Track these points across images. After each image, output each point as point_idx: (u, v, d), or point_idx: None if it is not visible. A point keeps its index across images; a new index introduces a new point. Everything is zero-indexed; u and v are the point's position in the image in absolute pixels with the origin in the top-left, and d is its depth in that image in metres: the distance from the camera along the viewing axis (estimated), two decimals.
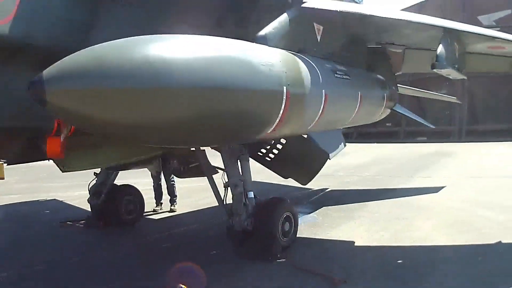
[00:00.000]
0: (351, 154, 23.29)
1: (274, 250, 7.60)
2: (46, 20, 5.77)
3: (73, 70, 4.16)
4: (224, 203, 8.20)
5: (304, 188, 12.73)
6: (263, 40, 6.27)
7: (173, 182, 12.19)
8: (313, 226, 9.88)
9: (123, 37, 4.75)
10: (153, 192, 12.31)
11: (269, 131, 5.86)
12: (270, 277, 6.78)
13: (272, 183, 13.21)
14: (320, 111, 6.63)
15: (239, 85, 5.04)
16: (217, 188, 8.41)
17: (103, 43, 4.48)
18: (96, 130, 4.87)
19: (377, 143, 33.01)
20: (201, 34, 5.29)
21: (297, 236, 8.50)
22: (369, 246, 8.37)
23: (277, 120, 5.72)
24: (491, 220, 9.53)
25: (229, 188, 8.05)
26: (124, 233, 10.05)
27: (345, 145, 10.13)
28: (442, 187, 14.14)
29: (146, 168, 11.84)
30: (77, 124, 4.92)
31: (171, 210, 12.25)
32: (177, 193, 12.35)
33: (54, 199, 14.55)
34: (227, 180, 8.06)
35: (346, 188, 14.97)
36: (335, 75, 7.23)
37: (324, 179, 14.97)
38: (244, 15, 7.30)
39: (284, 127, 6.05)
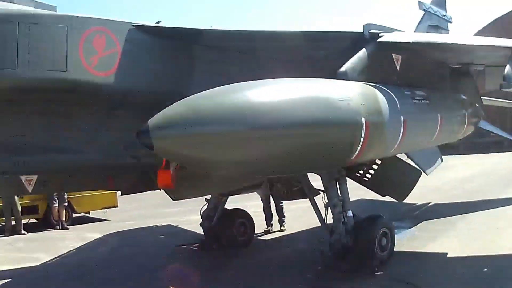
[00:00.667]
0: (458, 167, 24.49)
1: (372, 264, 9.12)
2: (144, 72, 7.76)
3: (173, 119, 5.92)
4: (325, 222, 9.86)
5: (408, 203, 14.06)
6: (344, 76, 7.84)
7: (282, 204, 14.25)
8: (412, 240, 11.55)
9: (215, 83, 6.52)
10: (263, 214, 14.32)
11: (353, 158, 7.42)
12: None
13: (381, 200, 14.66)
14: (400, 136, 8.05)
15: (322, 120, 6.64)
16: (318, 209, 10.09)
17: (197, 94, 6.24)
18: (197, 167, 6.81)
19: (484, 153, 36.30)
20: (286, 76, 6.98)
21: (397, 249, 10.01)
22: (459, 257, 9.76)
23: (359, 147, 7.22)
24: None
25: (329, 208, 9.63)
26: (237, 254, 12.03)
27: (442, 161, 12.20)
28: None
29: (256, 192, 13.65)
30: (181, 162, 6.76)
31: (281, 230, 14.28)
32: (285, 213, 14.33)
33: (169, 224, 17.10)
34: (327, 201, 9.67)
35: (448, 202, 16.62)
36: (414, 100, 8.67)
37: (430, 193, 17.51)
38: (327, 55, 8.80)
39: (367, 152, 7.59)
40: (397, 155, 10.61)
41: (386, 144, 7.98)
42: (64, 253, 13.54)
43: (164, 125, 5.84)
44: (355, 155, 7.33)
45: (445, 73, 10.63)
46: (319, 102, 6.65)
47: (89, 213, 20.84)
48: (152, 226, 17.30)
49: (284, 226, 14.35)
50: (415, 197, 14.20)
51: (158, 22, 8.88)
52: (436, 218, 13.95)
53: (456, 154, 32.69)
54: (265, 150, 6.25)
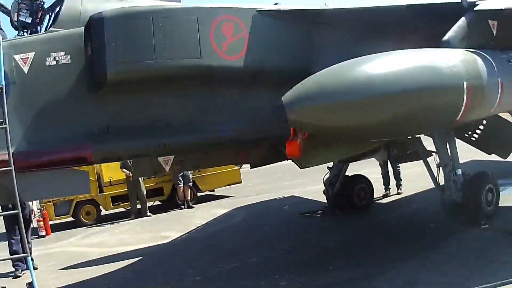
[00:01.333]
0: None
1: (479, 218, 10.83)
2: (272, 51, 9.66)
3: (303, 95, 7.90)
4: (438, 181, 11.68)
5: None
6: (447, 44, 9.45)
7: (398, 168, 16.28)
8: None
9: (337, 58, 8.38)
10: (382, 179, 16.37)
11: (457, 118, 9.11)
12: (479, 238, 10.23)
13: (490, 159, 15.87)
14: (498, 97, 9.60)
15: (428, 86, 8.30)
16: (431, 169, 11.91)
17: (321, 71, 8.15)
18: (327, 134, 8.94)
19: None
20: (397, 47, 8.81)
21: (503, 204, 11.72)
22: None
23: (462, 109, 8.85)
24: None
25: (441, 168, 11.38)
26: (357, 218, 14.15)
27: None
28: None
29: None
30: (313, 131, 8.88)
31: (398, 193, 16.36)
32: (402, 177, 16.18)
33: (292, 195, 19.28)
34: (438, 161, 11.42)
35: None
36: (509, 63, 10.10)
37: None
38: (431, 25, 10.23)
39: (470, 114, 9.28)
40: (501, 115, 12.19)
41: (486, 104, 9.58)
42: (192, 229, 16.23)
43: (296, 100, 7.82)
44: (459, 116, 9.01)
45: None
46: (425, 70, 8.37)
47: (213, 191, 23.47)
48: (276, 198, 19.65)
49: (401, 189, 16.42)
50: None
51: (276, 4, 10.65)
52: None
53: None
54: (382, 115, 8.07)
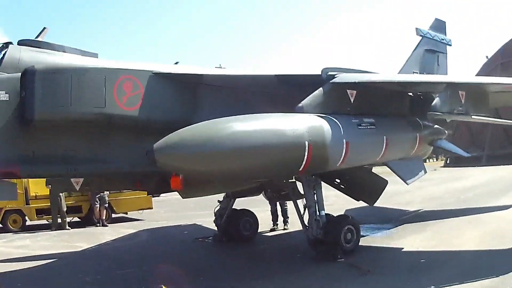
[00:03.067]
0: (467, 178, 29.75)
1: (336, 253, 13.33)
2: (161, 106, 12.21)
3: (168, 144, 10.30)
4: (303, 219, 14.33)
5: (403, 209, 20.30)
6: (301, 110, 12.10)
7: (286, 206, 19.05)
8: (387, 238, 15.94)
9: (214, 115, 11.04)
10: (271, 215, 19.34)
11: (300, 169, 11.67)
12: (331, 267, 12.61)
13: (380, 207, 19.12)
14: (343, 155, 12.08)
15: (273, 145, 10.92)
16: (299, 209, 14.70)
17: (190, 126, 10.69)
18: (190, 175, 11.30)
19: (506, 164, 43.90)
20: (262, 109, 11.45)
21: (367, 244, 14.61)
22: (411, 251, 13.86)
23: (304, 162, 11.47)
24: None
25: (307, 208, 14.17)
26: (239, 245, 16.90)
27: (425, 172, 16.10)
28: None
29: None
30: (178, 173, 11.45)
31: (284, 229, 19.05)
32: (289, 215, 18.81)
33: (194, 223, 22.13)
34: (305, 203, 14.09)
35: (437, 209, 21.25)
36: (359, 126, 12.65)
37: (428, 201, 22.99)
38: (293, 92, 12.93)
39: (312, 167, 11.81)
40: (370, 168, 15.43)
41: (329, 160, 12.05)
42: (102, 243, 19.03)
43: (163, 148, 10.33)
44: (302, 167, 11.62)
45: (399, 101, 14.64)
46: (271, 131, 10.94)
47: (126, 213, 26.68)
48: (180, 224, 22.47)
49: (287, 226, 19.21)
50: (413, 204, 21.24)
51: (176, 63, 13.57)
52: (417, 222, 18.37)
53: (477, 166, 36.99)
54: (231, 164, 10.50)
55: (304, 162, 11.23)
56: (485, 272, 10.70)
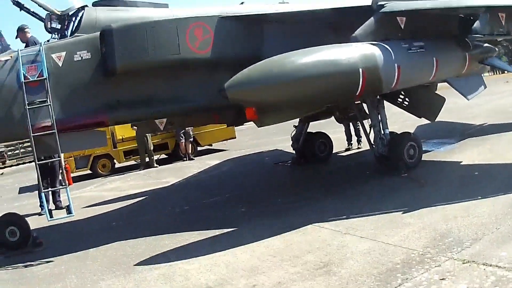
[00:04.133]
0: None
1: (400, 168, 14.35)
2: (230, 46, 13.45)
3: (235, 81, 11.59)
4: (369, 138, 15.59)
5: (468, 124, 20.99)
6: (355, 39, 12.99)
7: (358, 126, 19.88)
8: (449, 152, 16.67)
9: (279, 50, 12.02)
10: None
11: (357, 93, 12.56)
12: (393, 181, 13.74)
13: (456, 122, 20.31)
14: (396, 77, 12.92)
15: (332, 73, 11.85)
16: (365, 128, 15.99)
17: (255, 64, 11.76)
18: (262, 107, 12.44)
19: None
20: (321, 42, 12.30)
21: (429, 159, 15.60)
22: (467, 164, 14.59)
23: (360, 86, 12.33)
24: None
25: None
26: (316, 166, 18.30)
27: (485, 87, 16.92)
28: None
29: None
30: (248, 105, 12.51)
31: (358, 148, 20.30)
32: (362, 134, 19.55)
33: (276, 149, 23.64)
34: (370, 122, 15.22)
35: (500, 122, 21.17)
36: (409, 50, 13.35)
37: (495, 114, 23.06)
38: (348, 23, 13.62)
39: (368, 90, 12.71)
40: (429, 85, 15.94)
41: (382, 83, 12.85)
42: (188, 176, 20.82)
43: (232, 85, 11.47)
44: (359, 91, 12.49)
45: (447, 24, 14.89)
46: (328, 62, 11.84)
47: (211, 145, 28.41)
48: (262, 151, 24.07)
49: (360, 145, 20.36)
50: (479, 117, 21.60)
51: (242, 3, 15.01)
52: (480, 136, 18.80)
53: None
54: (309, 90, 11.62)
55: (360, 87, 12.07)
56: None
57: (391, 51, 12.70)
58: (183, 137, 25.42)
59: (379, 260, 8.07)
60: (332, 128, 20.44)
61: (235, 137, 28.04)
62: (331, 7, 14.10)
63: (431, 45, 13.78)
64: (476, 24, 13.53)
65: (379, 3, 13.64)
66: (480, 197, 10.63)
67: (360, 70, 11.95)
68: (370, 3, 13.69)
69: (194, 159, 25.44)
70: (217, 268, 8.88)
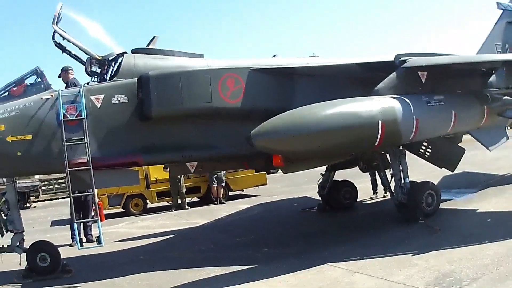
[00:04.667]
0: None
1: (417, 215, 14.85)
2: (260, 96, 14.28)
3: (262, 130, 12.37)
4: (390, 186, 16.26)
5: (492, 174, 21.42)
6: (377, 92, 13.73)
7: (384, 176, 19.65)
8: (468, 201, 17.19)
9: (306, 101, 12.88)
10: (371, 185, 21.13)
11: (376, 144, 13.10)
12: (409, 227, 14.36)
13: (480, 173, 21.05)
14: (414, 130, 13.47)
15: (354, 123, 12.57)
16: (387, 177, 16.63)
17: (281, 114, 12.56)
18: (286, 155, 13.29)
19: None
20: (346, 95, 13.11)
21: (448, 207, 16.17)
22: (482, 212, 15.14)
23: (378, 138, 12.94)
24: None
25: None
26: (340, 213, 18.88)
27: (507, 138, 17.36)
28: None
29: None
30: (273, 153, 13.31)
31: (384, 196, 20.46)
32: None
33: (305, 196, 24.10)
34: (392, 171, 15.79)
35: None
36: (428, 104, 13.94)
37: None
38: (373, 77, 14.35)
39: (387, 141, 13.29)
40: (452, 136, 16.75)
41: (401, 135, 13.44)
42: (217, 218, 21.52)
43: (257, 134, 12.26)
44: (377, 142, 13.06)
45: (466, 78, 15.71)
46: (349, 113, 12.56)
47: (243, 190, 29.01)
48: (291, 197, 24.66)
49: (387, 193, 20.15)
50: (503, 169, 22.05)
51: (274, 56, 16.10)
52: (501, 185, 19.36)
53: None
54: (330, 142, 12.34)
55: (378, 138, 12.71)
56: None
57: (410, 104, 13.30)
58: (215, 181, 26.13)
59: None
60: (359, 178, 21.03)
61: (266, 184, 28.73)
62: (356, 62, 14.89)
63: (450, 99, 14.35)
64: (493, 78, 14.25)
65: (401, 58, 14.38)
66: (487, 242, 11.34)
67: (380, 122, 12.59)
68: (393, 59, 14.46)
69: (225, 203, 26.06)
70: None
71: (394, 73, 14.08)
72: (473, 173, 23.09)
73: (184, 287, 10.70)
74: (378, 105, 12.82)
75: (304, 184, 27.77)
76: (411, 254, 11.17)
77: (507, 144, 17.18)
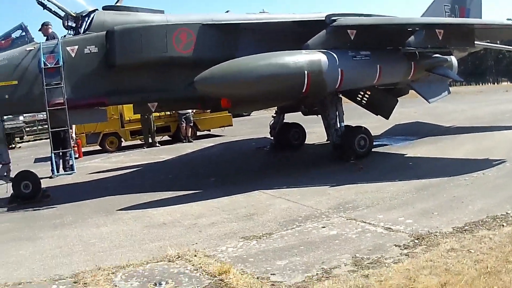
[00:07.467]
0: None
1: (349, 155, 17.20)
2: (208, 48, 16.27)
3: (203, 76, 14.46)
4: (328, 129, 18.42)
5: (440, 125, 23.70)
6: (307, 47, 15.98)
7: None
8: (402, 147, 19.33)
9: (247, 53, 15.16)
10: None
11: (303, 92, 15.20)
12: (340, 165, 16.71)
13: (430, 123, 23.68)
14: (339, 80, 15.64)
15: (282, 73, 14.66)
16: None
17: (221, 63, 14.79)
18: (225, 97, 15.71)
19: None
20: (279, 48, 15.29)
21: (382, 151, 18.61)
22: (408, 157, 17.31)
23: (305, 87, 15.04)
24: None
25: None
26: (288, 151, 21.21)
27: (449, 93, 19.32)
28: None
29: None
30: (214, 97, 15.83)
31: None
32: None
33: (265, 137, 26.00)
34: (329, 115, 18.05)
35: (467, 125, 23.74)
36: (354, 58, 16.04)
37: (469, 119, 25.50)
38: (304, 34, 16.46)
39: (313, 90, 15.39)
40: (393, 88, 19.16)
41: (326, 84, 15.53)
42: (181, 154, 24.18)
43: (199, 79, 14.42)
44: (304, 91, 15.20)
45: (393, 37, 17.49)
46: (281, 64, 14.66)
47: (210, 130, 31.53)
48: (252, 138, 27.05)
49: None
50: (455, 121, 24.19)
51: (227, 11, 17.96)
52: (439, 135, 21.28)
53: None
54: (248, 91, 14.58)
55: (305, 86, 14.76)
56: (440, 174, 13.57)
57: (336, 58, 15.34)
58: (184, 121, 28.43)
59: (289, 214, 11.21)
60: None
61: (231, 125, 30.90)
62: (292, 20, 16.96)
63: (376, 54, 16.38)
64: (411, 38, 16.56)
65: (332, 18, 16.54)
66: (397, 180, 13.42)
67: (306, 72, 14.64)
68: (324, 18, 16.64)
69: (192, 142, 28.36)
70: (174, 213, 12.16)
71: (324, 30, 16.26)
72: (424, 123, 25.37)
73: (138, 206, 13.14)
74: (305, 58, 14.82)
75: (267, 126, 30.00)
76: (329, 186, 13.48)
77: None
